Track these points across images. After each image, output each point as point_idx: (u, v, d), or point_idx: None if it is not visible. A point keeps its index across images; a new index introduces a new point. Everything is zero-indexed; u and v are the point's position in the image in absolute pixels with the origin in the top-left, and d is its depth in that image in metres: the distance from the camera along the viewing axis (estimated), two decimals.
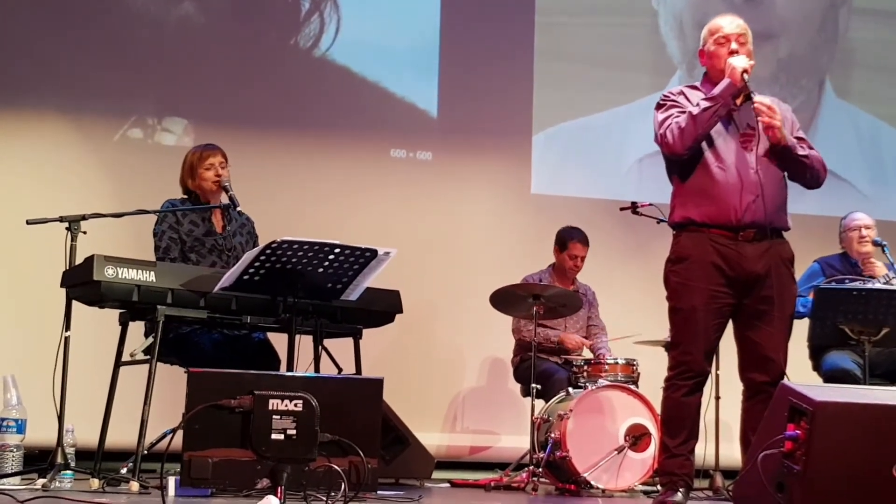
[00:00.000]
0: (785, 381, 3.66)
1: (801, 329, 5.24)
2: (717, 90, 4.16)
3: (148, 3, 7.11)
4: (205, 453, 3.55)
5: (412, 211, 7.27)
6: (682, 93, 4.35)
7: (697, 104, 4.16)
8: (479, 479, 5.95)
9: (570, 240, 6.40)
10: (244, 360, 4.71)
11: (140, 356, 4.48)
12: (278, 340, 4.84)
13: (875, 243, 5.91)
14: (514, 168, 7.52)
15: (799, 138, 4.30)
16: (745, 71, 4.11)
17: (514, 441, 6.72)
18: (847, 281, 5.71)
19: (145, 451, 4.37)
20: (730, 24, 4.30)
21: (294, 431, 3.60)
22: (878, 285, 5.65)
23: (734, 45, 4.23)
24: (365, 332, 5.09)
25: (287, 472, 3.58)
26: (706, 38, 4.34)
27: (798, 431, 3.34)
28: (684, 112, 4.17)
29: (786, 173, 4.29)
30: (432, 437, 6.76)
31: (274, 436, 3.59)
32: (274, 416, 3.59)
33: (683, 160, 4.23)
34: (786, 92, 7.55)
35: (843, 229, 6.06)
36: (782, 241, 4.28)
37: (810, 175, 4.28)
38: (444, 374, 7.21)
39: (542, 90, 7.58)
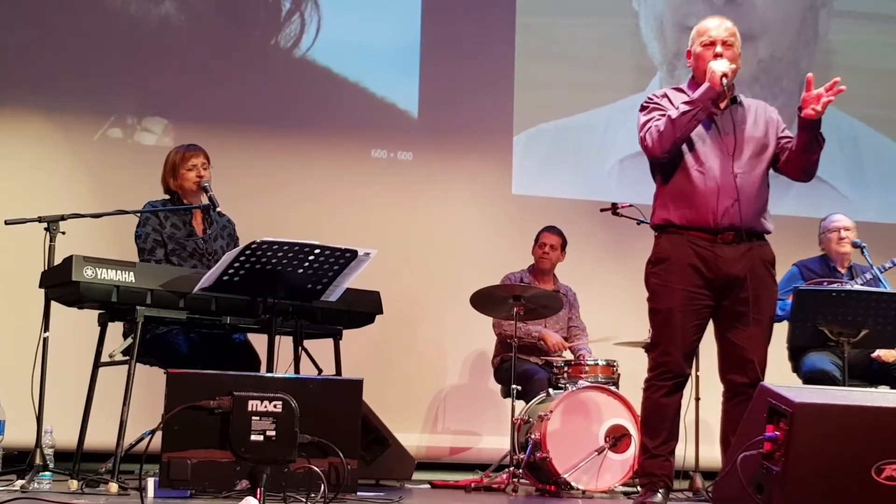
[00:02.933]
0: (764, 382, 3.67)
1: (780, 331, 5.26)
2: (696, 94, 4.17)
3: (128, 3, 7.08)
4: (184, 454, 3.54)
5: (393, 211, 7.26)
6: (665, 95, 4.36)
7: (678, 107, 4.17)
8: (459, 480, 5.95)
9: (541, 232, 6.53)
10: (224, 360, 4.68)
11: (119, 357, 4.45)
12: (258, 341, 4.83)
13: (854, 245, 5.94)
14: (495, 168, 7.52)
15: (787, 137, 4.30)
16: (724, 75, 4.11)
17: (495, 442, 6.72)
18: (826, 284, 5.74)
19: (124, 453, 4.34)
20: (717, 27, 4.28)
21: (273, 432, 3.60)
22: (857, 287, 5.68)
23: (719, 49, 4.22)
24: (346, 332, 5.08)
25: (266, 474, 3.58)
26: (693, 38, 4.34)
27: (777, 433, 3.34)
28: (665, 115, 4.18)
29: (779, 165, 4.30)
30: (413, 438, 6.76)
31: (253, 437, 3.58)
32: (253, 418, 3.59)
33: (664, 162, 4.24)
34: (766, 93, 7.57)
35: (823, 230, 6.11)
36: (763, 244, 4.28)
37: (816, 161, 4.25)
38: (425, 375, 7.21)
39: (523, 91, 7.58)
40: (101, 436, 4.64)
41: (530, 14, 7.67)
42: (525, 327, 6.20)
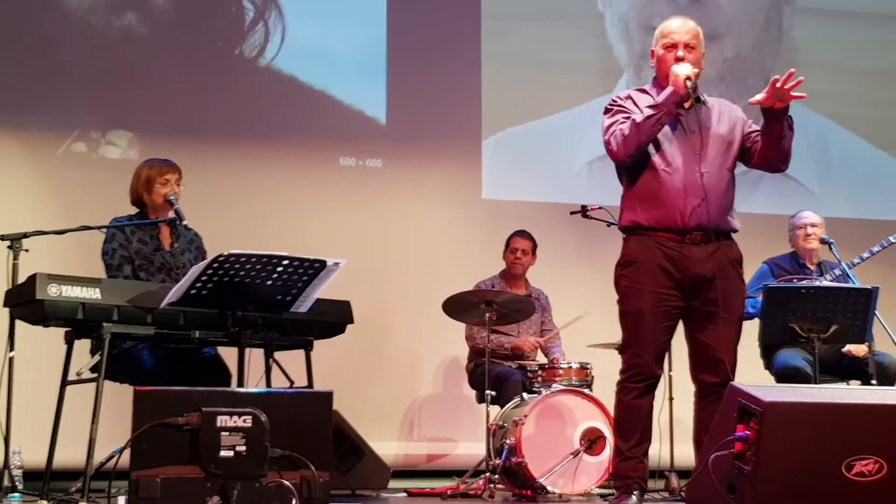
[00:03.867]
0: (734, 382, 3.67)
1: (752, 328, 5.27)
2: (660, 98, 4.16)
3: (89, 15, 7.02)
4: (153, 472, 3.51)
5: (363, 219, 7.23)
6: (629, 97, 4.34)
7: (642, 111, 4.16)
8: (435, 488, 5.92)
9: (511, 237, 6.55)
10: (193, 375, 4.65)
11: (87, 375, 4.41)
12: (229, 354, 4.79)
13: (822, 241, 5.96)
14: (465, 173, 7.51)
15: (755, 131, 4.30)
16: (688, 78, 4.10)
17: (472, 448, 6.69)
18: (796, 281, 5.76)
19: (94, 471, 4.30)
20: (679, 28, 4.27)
21: (244, 448, 3.57)
22: (826, 283, 5.70)
23: (680, 53, 4.22)
24: (320, 342, 5.05)
25: (237, 489, 3.55)
26: (657, 39, 4.33)
27: (748, 432, 3.34)
28: (629, 118, 4.17)
29: (753, 160, 4.30)
30: (390, 447, 6.73)
31: (223, 453, 3.55)
32: (223, 433, 3.56)
33: (629, 165, 4.24)
34: (732, 91, 7.60)
35: (791, 227, 6.15)
36: (730, 243, 4.28)
37: (790, 148, 4.24)
38: (400, 383, 7.18)
39: (491, 95, 7.58)
40: (71, 455, 4.60)
41: (495, 18, 7.67)
42: (497, 339, 6.18)
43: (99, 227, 4.86)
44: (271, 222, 6.92)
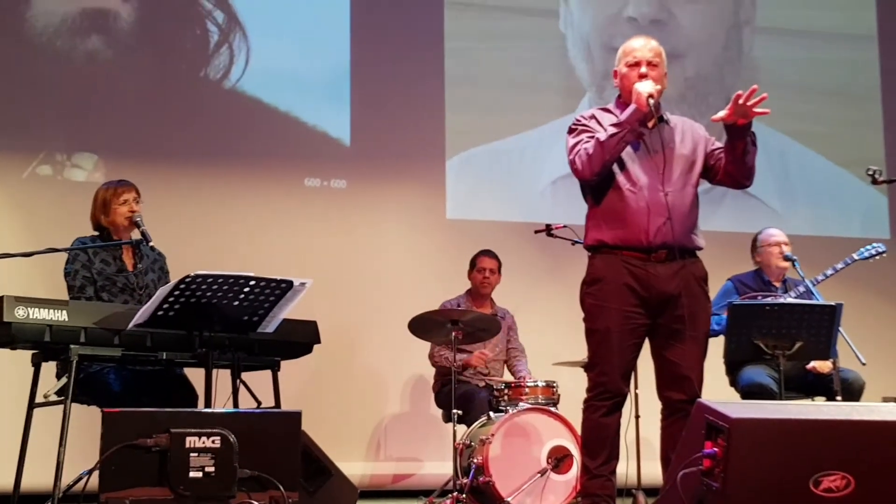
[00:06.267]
0: (701, 398, 3.69)
1: (718, 345, 5.31)
2: (623, 116, 4.18)
3: (54, 38, 7.00)
4: (121, 494, 3.50)
5: (328, 240, 7.24)
6: (593, 116, 4.36)
7: (606, 129, 4.19)
8: None
9: (477, 257, 6.57)
10: (160, 396, 4.64)
11: (54, 397, 4.38)
12: (196, 375, 4.78)
13: (786, 258, 6.01)
14: (429, 193, 7.54)
15: (718, 148, 4.33)
16: (650, 96, 4.14)
17: (438, 467, 6.70)
18: (760, 298, 5.80)
19: (62, 494, 4.27)
20: (642, 47, 4.31)
21: (212, 468, 3.57)
22: (790, 300, 5.75)
23: (644, 70, 4.26)
24: (286, 363, 5.05)
25: None
26: (620, 58, 4.36)
27: (715, 449, 3.36)
28: (594, 137, 4.20)
29: (717, 177, 4.32)
30: (356, 467, 6.72)
31: (192, 474, 3.55)
32: (191, 454, 3.56)
33: (594, 184, 4.27)
34: (694, 110, 7.68)
35: (761, 244, 6.16)
36: (695, 261, 4.31)
37: (754, 164, 4.26)
38: (366, 403, 7.18)
39: (454, 115, 7.62)
40: (39, 478, 4.57)
41: (458, 39, 7.72)
42: (448, 357, 6.19)
43: (65, 250, 4.84)
44: (237, 243, 6.91)
